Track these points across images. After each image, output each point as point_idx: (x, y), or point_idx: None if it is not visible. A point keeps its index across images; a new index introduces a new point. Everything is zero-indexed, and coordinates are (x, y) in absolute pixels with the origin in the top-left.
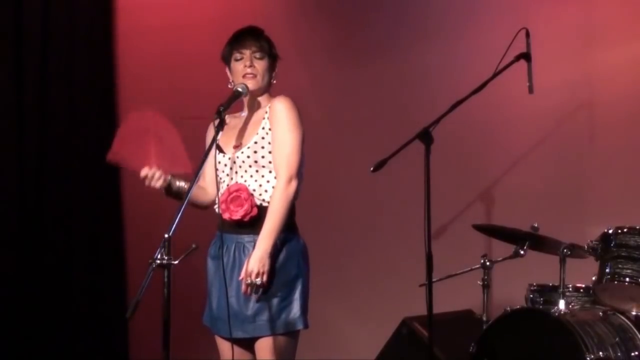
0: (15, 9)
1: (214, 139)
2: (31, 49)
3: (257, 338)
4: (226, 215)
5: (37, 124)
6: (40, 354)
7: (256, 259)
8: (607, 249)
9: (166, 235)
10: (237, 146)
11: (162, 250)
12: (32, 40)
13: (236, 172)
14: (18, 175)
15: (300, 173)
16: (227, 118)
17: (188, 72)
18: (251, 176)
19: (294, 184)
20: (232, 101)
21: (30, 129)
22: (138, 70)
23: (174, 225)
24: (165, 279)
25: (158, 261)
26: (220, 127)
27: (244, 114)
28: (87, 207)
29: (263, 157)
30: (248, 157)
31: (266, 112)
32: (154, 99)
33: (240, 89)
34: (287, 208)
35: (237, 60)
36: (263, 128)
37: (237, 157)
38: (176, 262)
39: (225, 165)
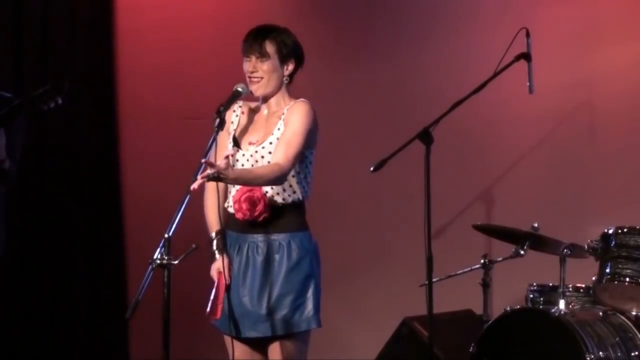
0: (15, 8)
1: (214, 139)
2: (31, 48)
3: (268, 338)
4: (239, 215)
5: (36, 124)
6: (40, 354)
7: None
8: (607, 249)
9: (166, 235)
10: (252, 143)
11: (162, 250)
12: (32, 39)
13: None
14: (18, 174)
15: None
16: (244, 107)
17: (188, 72)
18: None
19: (288, 167)
20: (232, 101)
21: (30, 128)
22: (138, 70)
23: (174, 225)
24: (165, 279)
25: (158, 261)
26: (220, 127)
27: (264, 111)
28: (87, 207)
29: None
30: (262, 157)
31: (283, 114)
32: (154, 99)
33: (240, 89)
34: (271, 177)
35: (245, 61)
36: (279, 129)
37: (251, 156)
38: (176, 262)
39: (237, 160)
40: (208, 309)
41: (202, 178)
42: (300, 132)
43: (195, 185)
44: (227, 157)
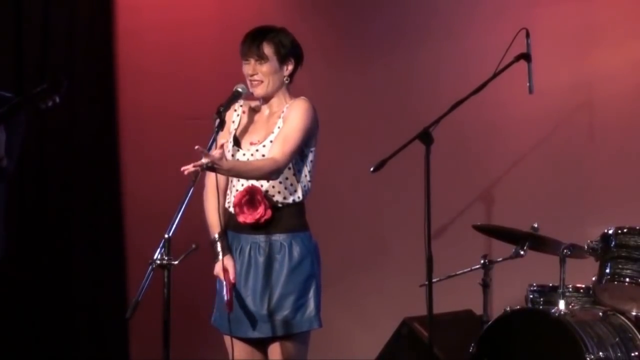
0: (15, 8)
1: (214, 139)
2: (31, 49)
3: (269, 338)
4: (241, 219)
5: (37, 124)
6: (40, 354)
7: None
8: (607, 249)
9: (166, 235)
10: (254, 143)
11: (162, 250)
12: (32, 40)
13: None
14: (18, 174)
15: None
16: (244, 107)
17: (188, 72)
18: None
19: (284, 162)
20: (232, 101)
21: (30, 128)
22: (138, 70)
23: (174, 225)
24: (165, 279)
25: (158, 261)
26: (220, 127)
27: (265, 111)
28: (87, 207)
29: None
30: (263, 155)
31: (283, 112)
32: (154, 99)
33: (240, 90)
34: (266, 170)
35: (244, 63)
36: (279, 127)
37: (252, 155)
38: (176, 262)
39: (238, 160)
40: (227, 298)
41: (195, 167)
42: (298, 129)
43: (187, 170)
44: (221, 146)
